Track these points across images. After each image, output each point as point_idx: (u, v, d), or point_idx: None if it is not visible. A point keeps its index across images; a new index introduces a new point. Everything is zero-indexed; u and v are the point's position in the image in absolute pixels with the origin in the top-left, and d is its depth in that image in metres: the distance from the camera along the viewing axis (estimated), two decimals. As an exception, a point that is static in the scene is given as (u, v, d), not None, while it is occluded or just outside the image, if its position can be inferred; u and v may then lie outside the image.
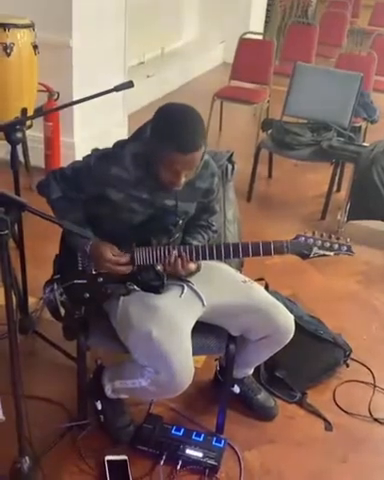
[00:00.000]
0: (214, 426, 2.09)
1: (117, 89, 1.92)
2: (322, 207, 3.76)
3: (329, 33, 6.13)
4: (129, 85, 1.93)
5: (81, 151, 1.91)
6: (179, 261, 1.76)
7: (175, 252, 1.76)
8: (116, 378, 1.95)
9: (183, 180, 1.70)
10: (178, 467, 1.92)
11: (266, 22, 7.96)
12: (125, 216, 1.81)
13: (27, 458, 1.63)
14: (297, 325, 1.96)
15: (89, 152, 1.85)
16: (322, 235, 1.76)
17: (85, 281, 1.86)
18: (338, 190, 4.05)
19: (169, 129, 1.63)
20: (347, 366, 2.44)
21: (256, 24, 7.38)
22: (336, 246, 1.74)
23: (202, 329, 1.89)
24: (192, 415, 2.15)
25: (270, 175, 4.33)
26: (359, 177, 3.47)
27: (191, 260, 1.79)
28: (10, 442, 1.62)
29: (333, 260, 1.82)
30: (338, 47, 6.20)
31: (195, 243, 1.88)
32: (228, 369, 2.02)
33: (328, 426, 2.18)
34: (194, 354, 1.79)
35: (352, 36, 7.51)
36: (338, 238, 1.75)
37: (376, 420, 2.22)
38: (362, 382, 2.40)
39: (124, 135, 1.90)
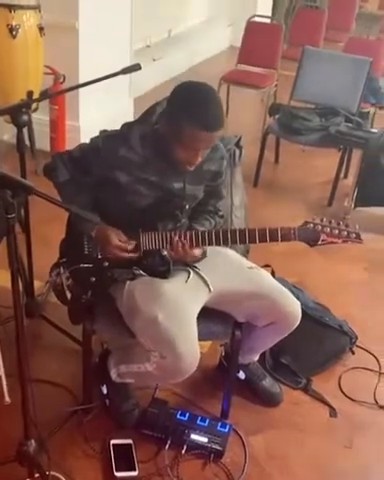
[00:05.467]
0: (219, 411, 2.09)
1: (124, 72, 1.89)
2: (329, 193, 3.74)
3: (338, 17, 6.05)
4: (136, 68, 1.90)
5: (86, 134, 1.89)
6: (180, 245, 1.75)
7: (176, 237, 1.75)
8: (122, 362, 1.96)
9: (199, 160, 1.70)
10: (183, 452, 1.93)
11: (274, 5, 7.85)
12: (131, 199, 1.80)
13: (33, 441, 1.64)
14: (303, 312, 1.95)
15: (96, 135, 1.83)
16: (331, 222, 1.73)
17: (91, 265, 1.85)
18: (345, 176, 4.02)
19: (193, 107, 1.62)
20: (353, 353, 2.44)
21: (264, 7, 7.27)
22: (345, 233, 1.72)
23: (208, 315, 1.88)
24: (197, 400, 2.16)
25: (277, 160, 4.30)
26: (367, 163, 3.44)
27: (197, 246, 1.78)
28: (16, 425, 1.63)
29: (340, 247, 1.80)
30: (347, 31, 6.13)
31: (202, 229, 1.86)
32: (233, 355, 2.02)
33: (333, 412, 2.18)
34: (200, 340, 1.79)
35: (361, 20, 7.40)
36: (347, 225, 1.73)
37: (381, 407, 2.22)
38: (368, 369, 2.39)
39: (130, 119, 1.88)
